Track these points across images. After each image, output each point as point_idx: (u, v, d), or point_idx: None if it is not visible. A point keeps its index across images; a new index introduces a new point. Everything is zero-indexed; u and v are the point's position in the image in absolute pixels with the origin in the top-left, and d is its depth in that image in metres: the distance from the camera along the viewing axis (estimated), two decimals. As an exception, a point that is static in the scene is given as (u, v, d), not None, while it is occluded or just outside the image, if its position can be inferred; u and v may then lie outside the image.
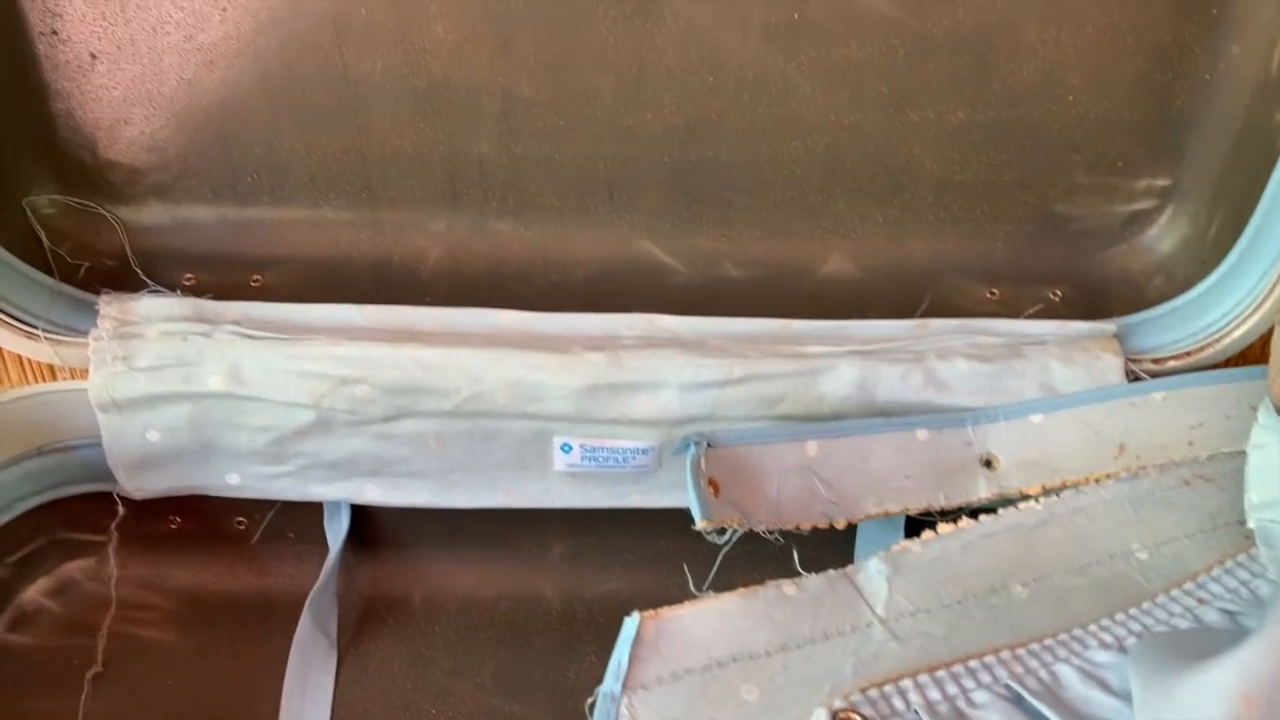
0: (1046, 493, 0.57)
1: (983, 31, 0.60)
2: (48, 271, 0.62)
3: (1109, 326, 0.62)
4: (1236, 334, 0.61)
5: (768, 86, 0.62)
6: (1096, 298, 0.67)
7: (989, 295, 0.67)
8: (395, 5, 0.59)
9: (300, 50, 0.60)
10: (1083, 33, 0.60)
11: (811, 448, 0.56)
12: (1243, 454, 0.55)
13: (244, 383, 0.58)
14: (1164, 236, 0.67)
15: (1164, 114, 0.63)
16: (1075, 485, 0.57)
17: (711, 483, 0.53)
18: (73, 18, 0.58)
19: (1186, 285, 0.64)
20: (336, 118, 0.62)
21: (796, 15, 0.60)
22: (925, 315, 0.65)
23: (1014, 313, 0.66)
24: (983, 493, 0.58)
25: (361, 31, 0.59)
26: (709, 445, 0.53)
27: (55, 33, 0.59)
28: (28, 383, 0.68)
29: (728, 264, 0.68)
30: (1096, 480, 0.57)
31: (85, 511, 0.64)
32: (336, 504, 0.62)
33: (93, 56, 0.60)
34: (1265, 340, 0.60)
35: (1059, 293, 0.67)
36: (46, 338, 0.59)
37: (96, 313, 0.60)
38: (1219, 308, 0.62)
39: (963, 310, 0.66)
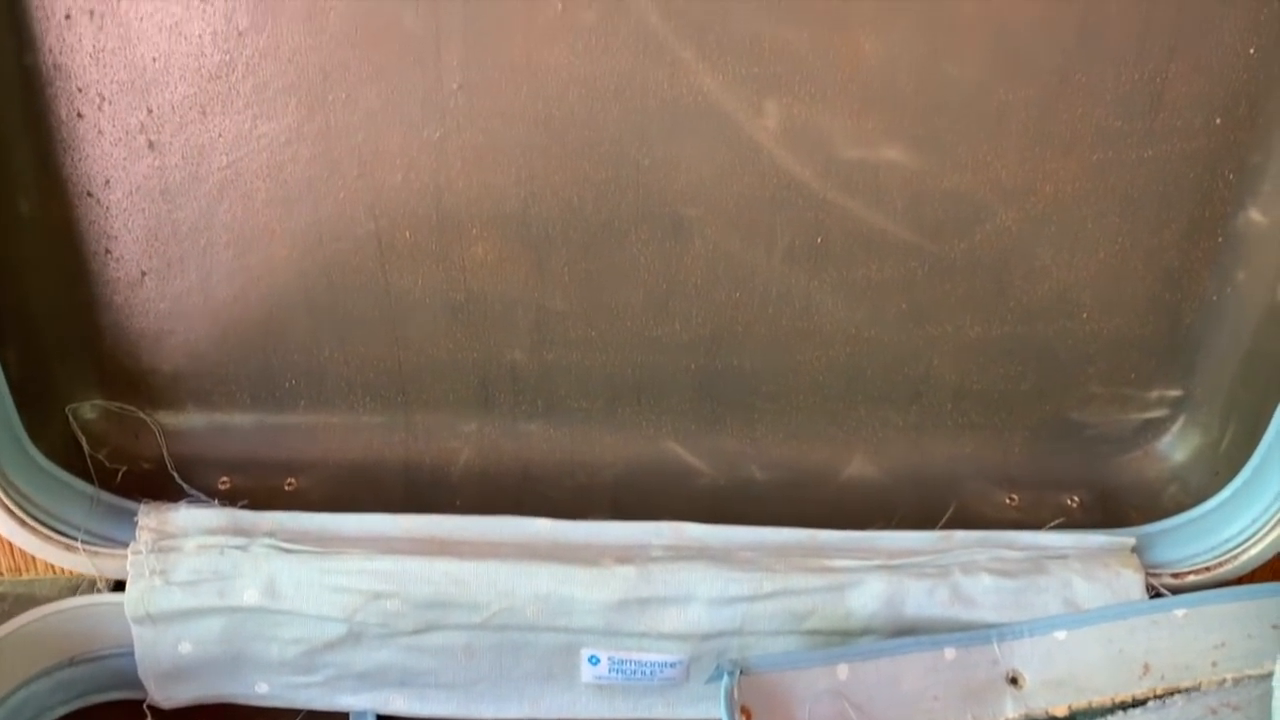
0: (1073, 715, 0.58)
1: (999, 255, 0.63)
2: (87, 478, 0.63)
3: (1128, 540, 0.64)
4: (1254, 550, 0.62)
5: (791, 302, 0.65)
6: (1114, 504, 0.68)
7: (1008, 501, 0.69)
8: (438, 229, 0.61)
9: (345, 268, 0.62)
10: (1095, 257, 0.63)
11: (842, 671, 0.56)
12: (1268, 677, 0.55)
13: (278, 597, 0.59)
14: (1177, 445, 0.68)
15: (1174, 331, 0.65)
16: (1102, 707, 0.58)
17: (744, 710, 0.54)
18: (126, 239, 0.61)
19: (1202, 496, 0.66)
20: (375, 328, 0.65)
21: (819, 239, 0.62)
22: (948, 524, 0.66)
23: (1034, 519, 0.68)
24: (1010, 713, 0.59)
25: (405, 252, 0.62)
26: (742, 672, 0.54)
27: (109, 251, 0.62)
28: (50, 572, 0.69)
29: (752, 466, 0.69)
30: (1122, 704, 0.58)
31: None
32: (363, 714, 0.62)
33: (143, 274, 0.62)
34: (1283, 560, 0.62)
35: (1076, 498, 0.69)
36: (85, 549, 0.60)
37: (134, 523, 0.61)
38: (1235, 523, 0.63)
39: (984, 517, 0.68)
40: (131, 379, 0.66)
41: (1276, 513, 0.62)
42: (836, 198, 0.61)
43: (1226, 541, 0.63)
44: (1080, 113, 0.58)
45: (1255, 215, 0.61)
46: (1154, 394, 0.68)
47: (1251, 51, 0.57)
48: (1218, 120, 0.59)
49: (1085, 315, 0.65)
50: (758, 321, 0.65)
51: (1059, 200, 0.61)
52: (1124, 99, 0.58)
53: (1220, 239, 0.62)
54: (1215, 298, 0.64)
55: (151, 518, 0.61)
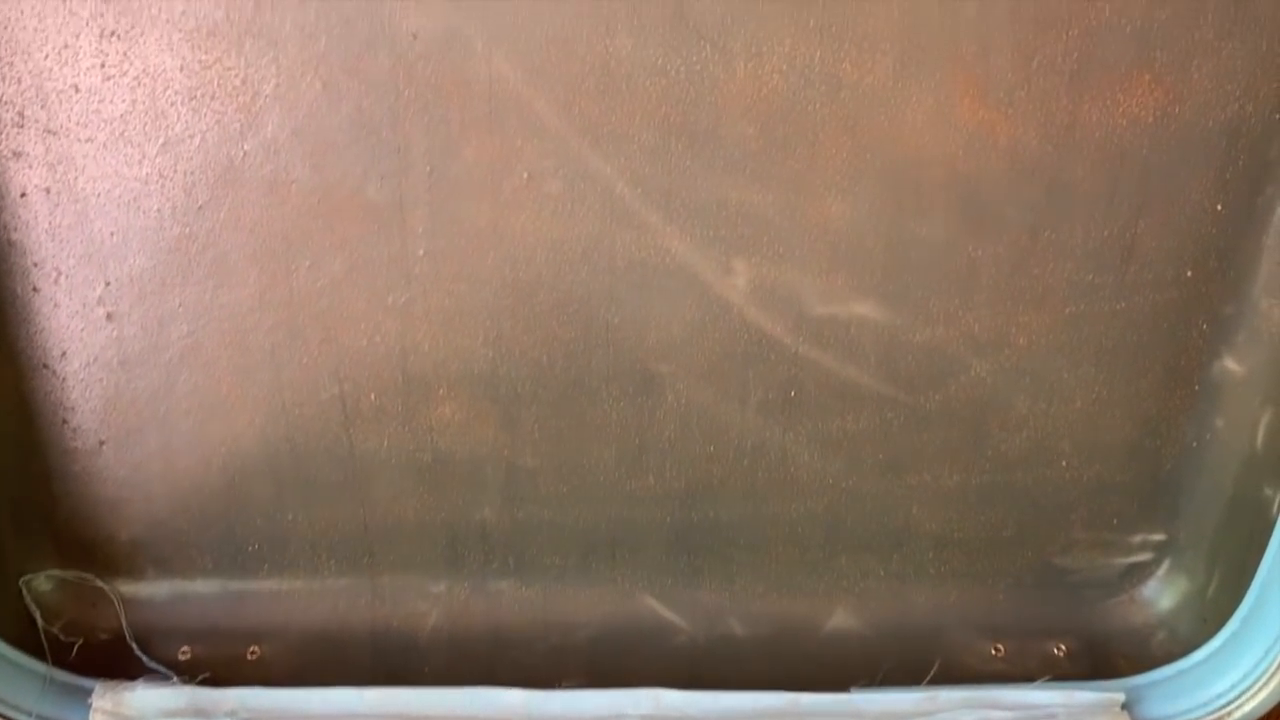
0: None
1: (975, 405, 0.62)
2: (40, 654, 0.61)
3: (1118, 696, 0.62)
4: (1249, 706, 0.60)
5: (766, 454, 0.63)
6: (1102, 652, 0.67)
7: (994, 651, 0.67)
8: (405, 391, 0.60)
9: (309, 432, 0.61)
10: (1071, 406, 0.62)
11: None
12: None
13: (239, 784, 0.56)
14: (1163, 591, 0.67)
15: (1155, 476, 0.65)
16: None
17: None
18: (84, 409, 0.59)
19: (1191, 645, 0.64)
20: (340, 491, 0.63)
21: (793, 393, 0.61)
22: (934, 678, 0.64)
23: (1021, 670, 0.66)
24: None
25: (370, 414, 0.61)
26: None
27: (66, 421, 0.60)
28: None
29: (732, 620, 0.67)
30: None
31: None
32: None
33: (101, 442, 0.60)
34: (1277, 716, 0.60)
35: (1064, 647, 0.67)
36: (35, 736, 0.58)
37: (88, 705, 0.59)
38: (1228, 675, 0.61)
39: (969, 669, 0.66)
40: (89, 547, 0.63)
41: (1269, 666, 0.60)
42: (809, 352, 0.61)
43: (1219, 696, 0.61)
44: (1051, 267, 0.58)
45: (1230, 364, 0.61)
46: (1137, 538, 0.67)
47: (1219, 208, 0.57)
48: (1188, 273, 0.59)
49: (1064, 463, 0.64)
50: (733, 474, 0.64)
51: (1033, 352, 0.61)
52: (1094, 254, 0.58)
53: (1197, 387, 0.62)
54: (1195, 444, 0.63)
55: (106, 699, 0.58)
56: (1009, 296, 0.59)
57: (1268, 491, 0.60)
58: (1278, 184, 0.56)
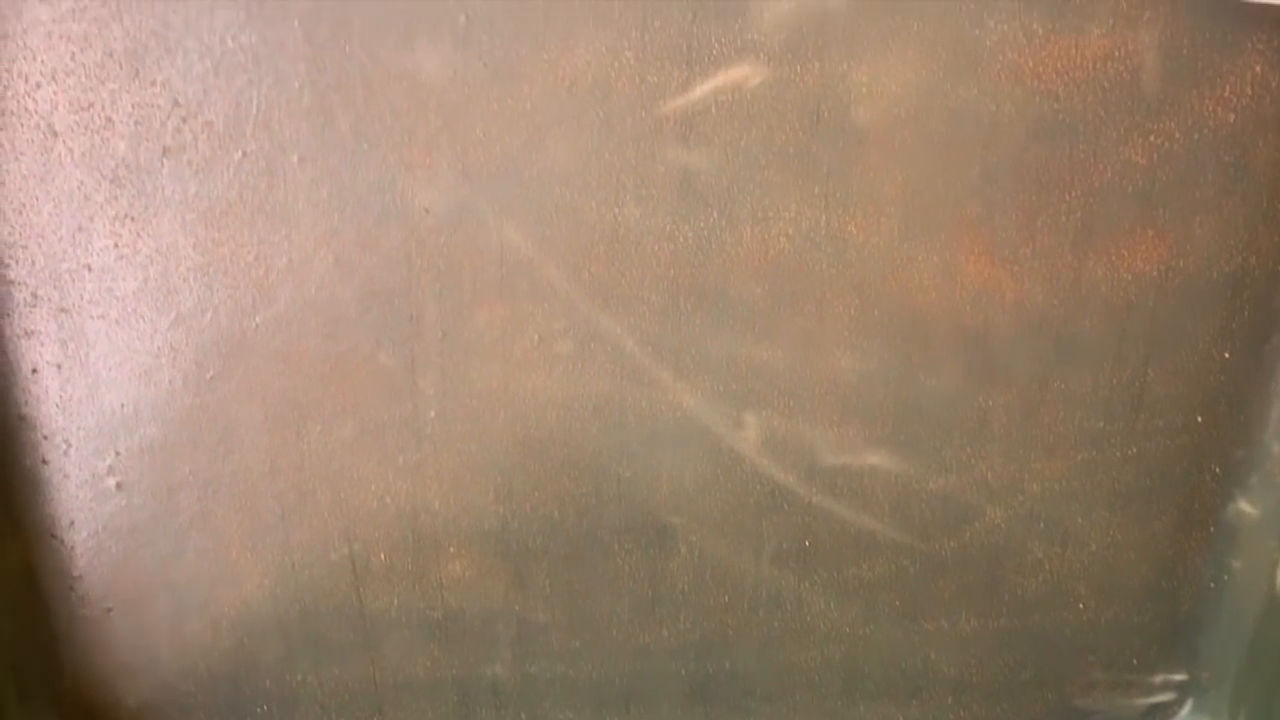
0: None
1: (989, 552, 0.62)
2: (42, 830, 0.59)
3: None
4: None
5: (782, 603, 0.63)
6: (1128, 797, 0.66)
7: (1019, 800, 0.66)
8: (415, 549, 0.60)
9: (318, 593, 0.60)
10: (1086, 550, 0.62)
11: None
12: None
13: None
14: (1188, 732, 0.66)
15: (1173, 617, 0.64)
16: None
17: None
18: (91, 577, 0.58)
19: (1220, 791, 0.63)
20: (350, 650, 0.62)
21: (807, 542, 0.61)
22: (957, 833, 0.63)
23: (1047, 820, 0.65)
24: None
25: (380, 573, 0.60)
26: None
27: (72, 589, 0.59)
28: None
29: (749, 771, 0.66)
30: None
31: None
32: None
33: (108, 609, 0.60)
34: None
35: (1089, 791, 0.66)
36: None
37: None
38: (1259, 826, 0.60)
39: (994, 820, 0.65)
40: (94, 713, 0.62)
41: (1300, 817, 0.59)
42: (822, 502, 0.60)
43: None
44: (1062, 415, 0.58)
45: (1245, 507, 0.61)
46: (1158, 678, 0.66)
47: (1226, 355, 0.57)
48: (1199, 419, 0.59)
49: (1082, 605, 0.63)
50: (748, 624, 0.63)
51: (1047, 497, 0.61)
52: (1105, 402, 0.58)
53: (1212, 529, 0.62)
54: (1213, 585, 0.63)
55: None
56: (1021, 444, 0.59)
57: (1289, 635, 0.60)
58: (1284, 332, 0.57)
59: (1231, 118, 0.52)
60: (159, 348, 0.54)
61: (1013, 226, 0.54)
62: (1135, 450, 0.60)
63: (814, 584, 0.62)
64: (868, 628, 0.64)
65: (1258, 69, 0.51)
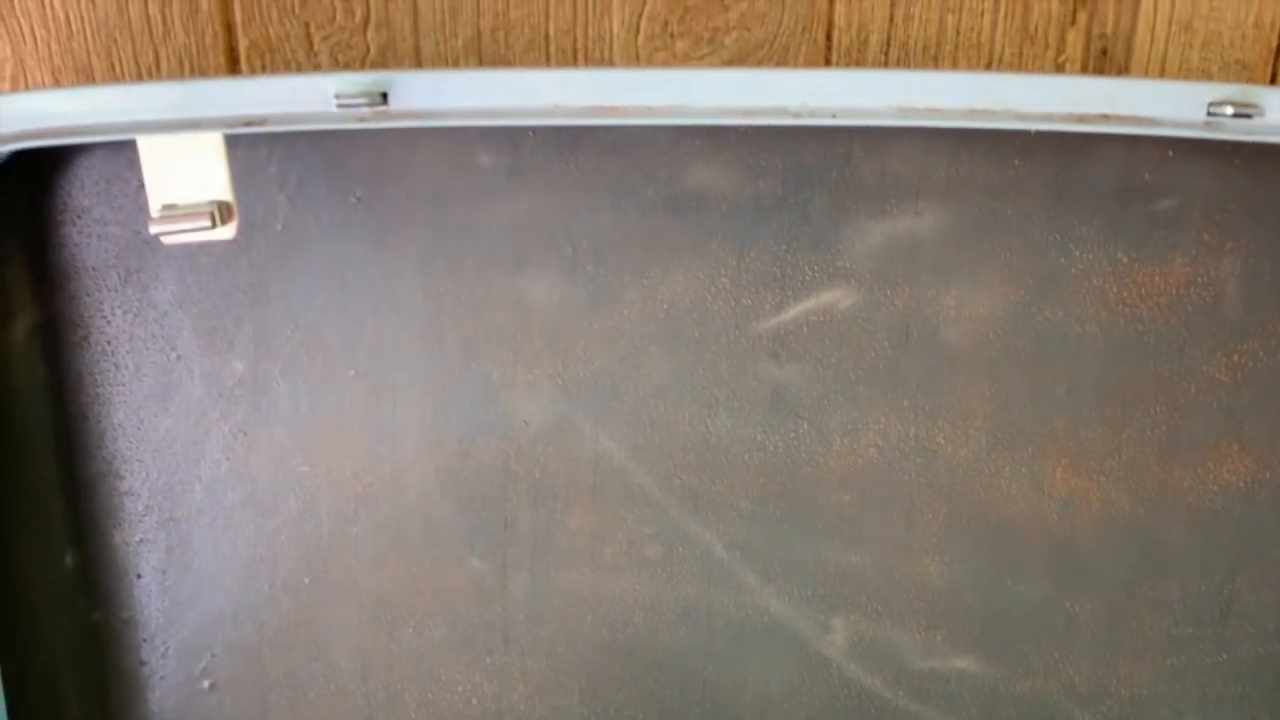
0: None
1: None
2: None
3: None
4: None
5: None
6: None
7: None
8: (499, 752, 0.60)
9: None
10: (1178, 755, 0.61)
11: None
12: None
13: None
14: None
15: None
16: None
17: None
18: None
19: None
20: None
21: (893, 745, 0.61)
22: None
23: None
24: None
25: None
26: None
27: (158, 789, 0.60)
28: None
29: None
30: None
31: None
32: None
33: (192, 810, 0.60)
34: None
35: None
36: None
37: None
38: None
39: None
40: None
41: None
42: (909, 705, 0.60)
43: None
44: (1149, 622, 0.58)
45: (1340, 713, 0.60)
46: None
47: (1314, 564, 0.57)
48: (1289, 626, 0.59)
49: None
50: None
51: (1135, 703, 0.60)
52: (1192, 609, 0.58)
53: (1306, 735, 0.61)
54: (1303, 793, 0.62)
55: None
56: (1108, 649, 0.59)
57: None
58: (1371, 542, 0.57)
59: (1312, 338, 0.53)
60: (261, 554, 0.55)
61: (1098, 439, 0.55)
62: (1225, 656, 0.59)
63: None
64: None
65: (1336, 293, 0.52)
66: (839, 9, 0.49)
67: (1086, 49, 0.50)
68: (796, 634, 0.58)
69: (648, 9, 0.49)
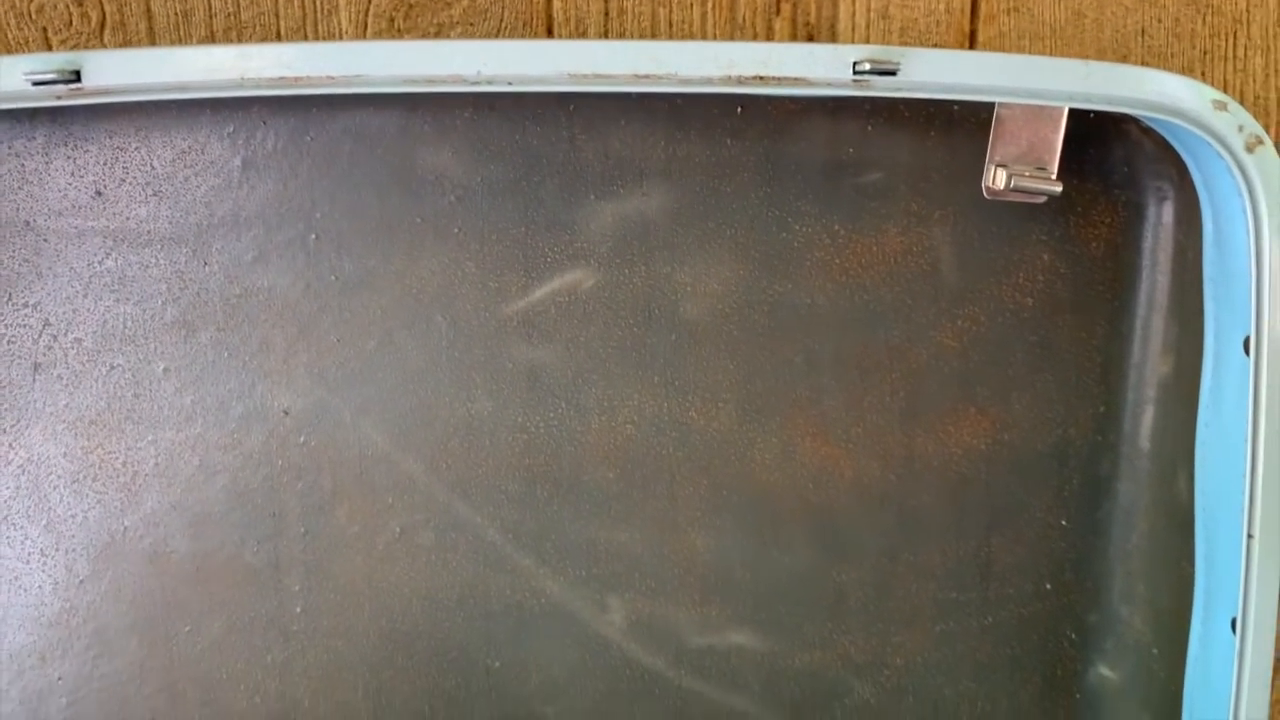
0: None
1: (863, 728, 0.62)
2: None
3: None
4: None
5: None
6: None
7: None
8: (284, 750, 0.60)
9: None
10: (958, 722, 0.63)
11: None
12: None
13: None
14: None
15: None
16: None
17: None
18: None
19: None
20: None
21: (681, 726, 0.62)
22: None
23: None
24: None
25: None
26: None
27: (-64, 805, 0.59)
28: None
29: None
30: None
31: None
32: None
33: (-28, 825, 0.59)
34: None
35: None
36: None
37: None
38: None
39: None
40: None
41: None
42: (692, 684, 0.61)
43: None
44: (915, 588, 0.60)
45: (1105, 671, 0.62)
46: None
47: (1064, 523, 0.59)
48: (1048, 586, 0.60)
49: (961, 780, 0.64)
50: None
51: (912, 671, 0.61)
52: (954, 573, 0.60)
53: (1078, 695, 0.62)
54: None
55: None
56: (879, 618, 0.61)
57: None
58: (1114, 499, 0.59)
59: (1030, 301, 0.56)
60: (29, 553, 0.56)
61: (841, 408, 0.57)
62: (991, 620, 0.61)
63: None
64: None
65: (1045, 257, 0.55)
66: (556, 4, 0.53)
67: (793, 37, 0.54)
68: (575, 615, 0.60)
69: (373, 6, 0.52)
